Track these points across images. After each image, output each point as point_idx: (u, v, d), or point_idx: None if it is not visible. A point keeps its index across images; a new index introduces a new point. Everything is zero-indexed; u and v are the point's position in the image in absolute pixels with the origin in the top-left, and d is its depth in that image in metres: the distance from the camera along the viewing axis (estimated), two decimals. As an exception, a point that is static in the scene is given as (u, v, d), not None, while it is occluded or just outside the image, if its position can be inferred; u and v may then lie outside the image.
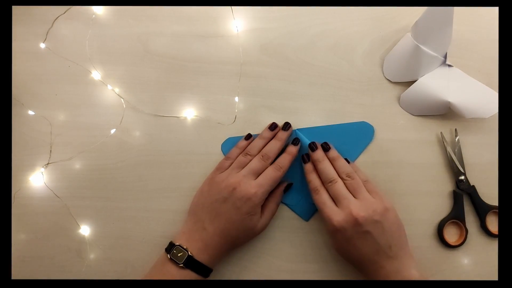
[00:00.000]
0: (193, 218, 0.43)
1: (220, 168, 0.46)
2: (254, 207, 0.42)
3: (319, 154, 0.45)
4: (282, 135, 0.46)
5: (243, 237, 0.43)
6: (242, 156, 0.45)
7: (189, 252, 0.39)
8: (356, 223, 0.39)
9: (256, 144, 0.46)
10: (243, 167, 0.44)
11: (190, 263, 0.39)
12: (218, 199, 0.42)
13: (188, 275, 0.39)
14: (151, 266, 0.43)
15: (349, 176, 0.43)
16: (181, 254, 0.39)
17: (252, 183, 0.42)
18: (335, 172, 0.43)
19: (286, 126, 0.47)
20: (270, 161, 0.45)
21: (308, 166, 0.45)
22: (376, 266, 0.39)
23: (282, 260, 0.47)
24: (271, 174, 0.43)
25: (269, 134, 0.47)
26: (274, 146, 0.45)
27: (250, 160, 0.45)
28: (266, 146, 0.46)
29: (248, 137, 0.47)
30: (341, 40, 0.51)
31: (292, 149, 0.46)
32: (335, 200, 0.42)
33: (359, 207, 0.40)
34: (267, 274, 0.47)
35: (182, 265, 0.39)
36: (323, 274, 0.47)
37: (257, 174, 0.44)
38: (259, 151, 0.45)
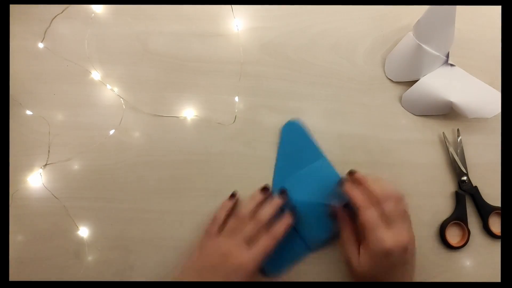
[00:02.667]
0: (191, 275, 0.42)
1: (208, 233, 0.44)
2: (246, 277, 0.39)
3: (359, 175, 0.43)
4: (277, 202, 0.44)
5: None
6: (233, 222, 0.43)
7: None
8: (404, 251, 0.37)
9: (247, 207, 0.44)
10: (235, 232, 0.42)
11: None
12: (207, 267, 0.40)
13: None
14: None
15: (397, 201, 0.39)
16: None
17: (244, 254, 0.39)
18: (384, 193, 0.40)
19: (282, 192, 0.45)
20: (262, 225, 0.42)
21: (349, 184, 0.42)
22: None
23: (282, 262, 0.47)
24: (265, 243, 0.40)
25: (260, 197, 0.45)
26: (268, 211, 0.43)
27: (241, 225, 0.42)
28: (260, 211, 0.43)
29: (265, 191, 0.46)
30: (342, 39, 0.51)
31: (289, 220, 0.43)
32: (385, 222, 0.38)
33: (408, 234, 0.38)
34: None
35: None
36: (324, 276, 0.47)
37: (250, 240, 0.41)
38: (250, 214, 0.43)
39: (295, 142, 0.47)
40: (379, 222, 0.38)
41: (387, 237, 0.37)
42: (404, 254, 0.37)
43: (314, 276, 0.47)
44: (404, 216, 0.39)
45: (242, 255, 0.39)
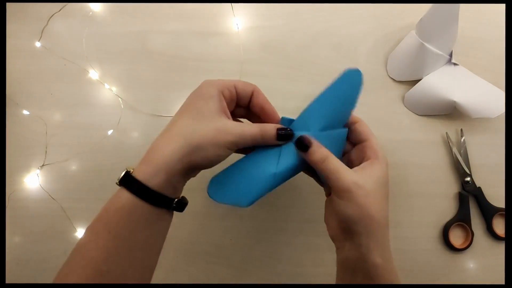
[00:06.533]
0: None
1: None
2: (208, 88, 0.33)
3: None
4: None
5: (200, 132, 0.30)
6: None
7: (127, 168, 0.31)
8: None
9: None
10: None
11: (126, 179, 0.30)
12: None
13: (128, 200, 0.29)
14: None
15: None
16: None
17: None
18: None
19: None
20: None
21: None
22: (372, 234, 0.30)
23: (283, 264, 0.46)
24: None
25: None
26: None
27: None
28: None
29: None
30: (344, 38, 0.50)
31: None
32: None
33: None
34: (269, 278, 0.46)
35: (117, 182, 0.30)
36: (325, 278, 0.46)
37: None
38: None
39: (344, 94, 0.35)
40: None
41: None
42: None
43: (315, 279, 0.46)
44: None
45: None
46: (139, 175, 0.30)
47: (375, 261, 0.29)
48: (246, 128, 0.32)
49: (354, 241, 0.30)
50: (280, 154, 0.34)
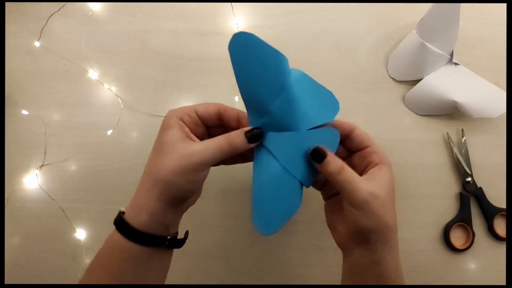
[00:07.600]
0: None
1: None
2: (167, 119, 0.31)
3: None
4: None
5: (163, 166, 0.29)
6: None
7: (122, 208, 0.32)
8: None
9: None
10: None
11: (121, 223, 0.30)
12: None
13: (119, 241, 0.30)
14: None
15: None
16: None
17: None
18: None
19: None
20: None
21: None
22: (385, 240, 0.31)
23: (283, 265, 0.46)
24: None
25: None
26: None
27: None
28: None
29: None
30: (344, 38, 0.50)
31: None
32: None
33: None
34: (268, 279, 0.46)
35: (114, 224, 0.31)
36: (325, 278, 0.46)
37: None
38: None
39: (251, 62, 0.29)
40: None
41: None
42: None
43: (315, 279, 0.46)
44: None
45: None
46: (127, 216, 0.30)
47: (389, 266, 0.30)
48: (210, 143, 0.30)
49: (368, 248, 0.30)
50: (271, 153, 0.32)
